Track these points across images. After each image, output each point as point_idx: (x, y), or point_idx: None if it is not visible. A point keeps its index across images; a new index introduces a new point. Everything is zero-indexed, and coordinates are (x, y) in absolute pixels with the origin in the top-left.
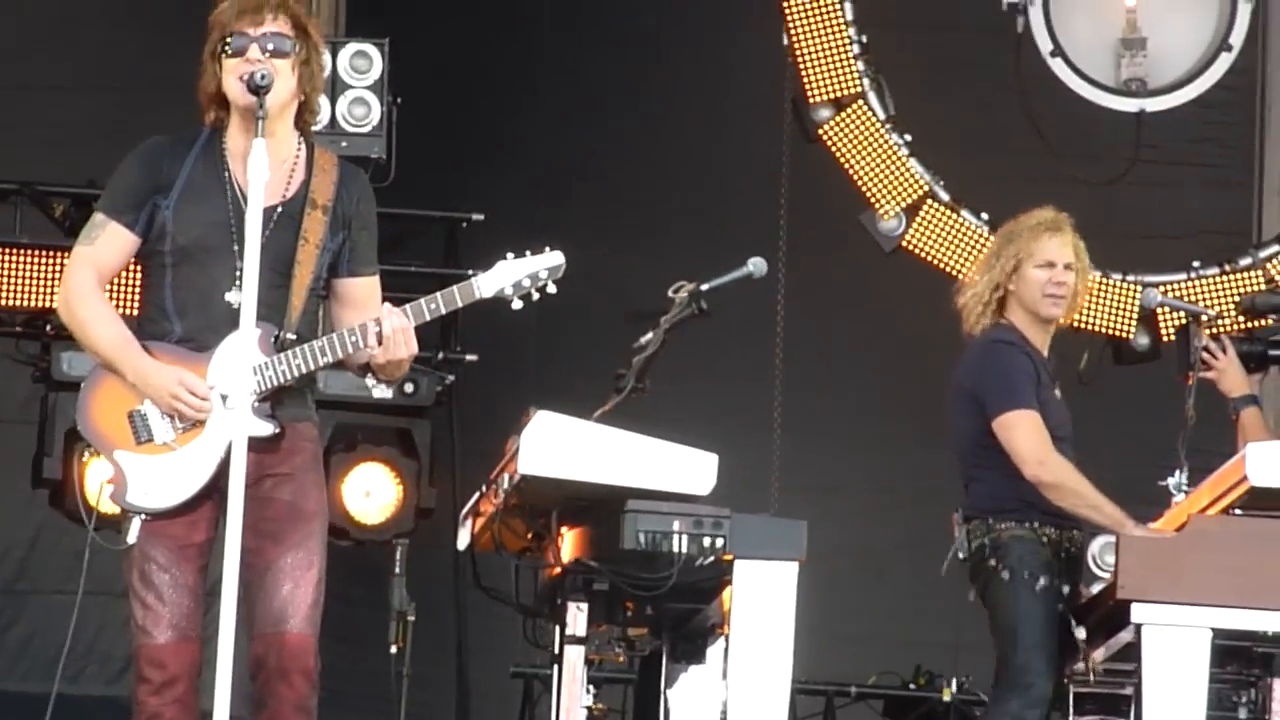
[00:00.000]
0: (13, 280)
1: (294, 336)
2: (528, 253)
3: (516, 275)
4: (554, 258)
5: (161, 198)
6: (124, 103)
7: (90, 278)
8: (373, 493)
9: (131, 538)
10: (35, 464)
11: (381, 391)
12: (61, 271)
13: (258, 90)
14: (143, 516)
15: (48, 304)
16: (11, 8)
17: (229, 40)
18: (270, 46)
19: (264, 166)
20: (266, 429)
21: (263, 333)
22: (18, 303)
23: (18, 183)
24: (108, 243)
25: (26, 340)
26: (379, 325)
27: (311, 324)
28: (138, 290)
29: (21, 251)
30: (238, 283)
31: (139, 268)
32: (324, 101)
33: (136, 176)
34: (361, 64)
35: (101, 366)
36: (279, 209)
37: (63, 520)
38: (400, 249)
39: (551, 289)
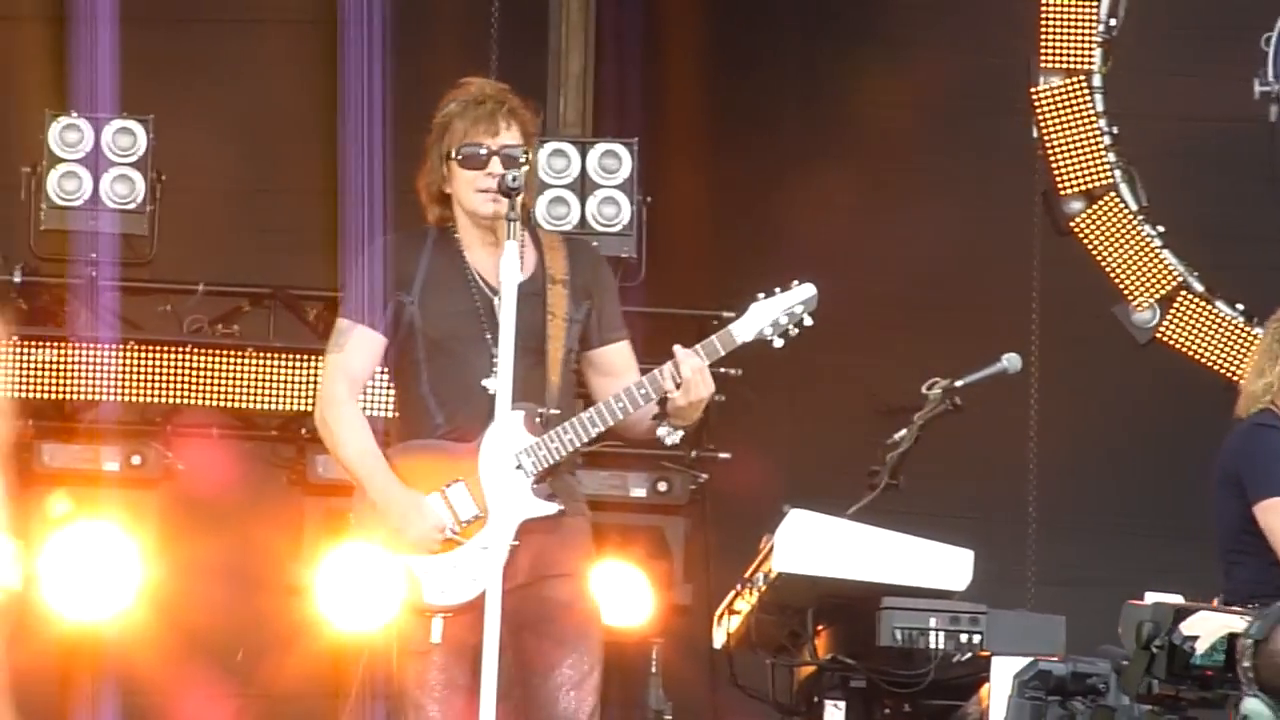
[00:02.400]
0: (267, 384)
1: (556, 412)
2: (778, 290)
3: (773, 314)
4: (805, 290)
5: (404, 294)
6: (375, 205)
7: (343, 387)
8: (626, 592)
9: (435, 637)
10: (288, 568)
11: (637, 489)
12: (316, 375)
13: (509, 192)
14: (446, 615)
15: (302, 408)
16: (270, 112)
17: (463, 149)
18: (508, 157)
19: (517, 270)
20: (549, 509)
21: (525, 414)
22: (272, 406)
23: (270, 287)
24: (357, 347)
25: (281, 444)
26: (676, 369)
27: (570, 398)
28: (391, 393)
29: (275, 355)
30: (494, 369)
31: (389, 370)
32: (574, 201)
33: (375, 277)
34: (611, 164)
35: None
36: (519, 287)
37: (318, 623)
38: (652, 347)
39: (808, 321)
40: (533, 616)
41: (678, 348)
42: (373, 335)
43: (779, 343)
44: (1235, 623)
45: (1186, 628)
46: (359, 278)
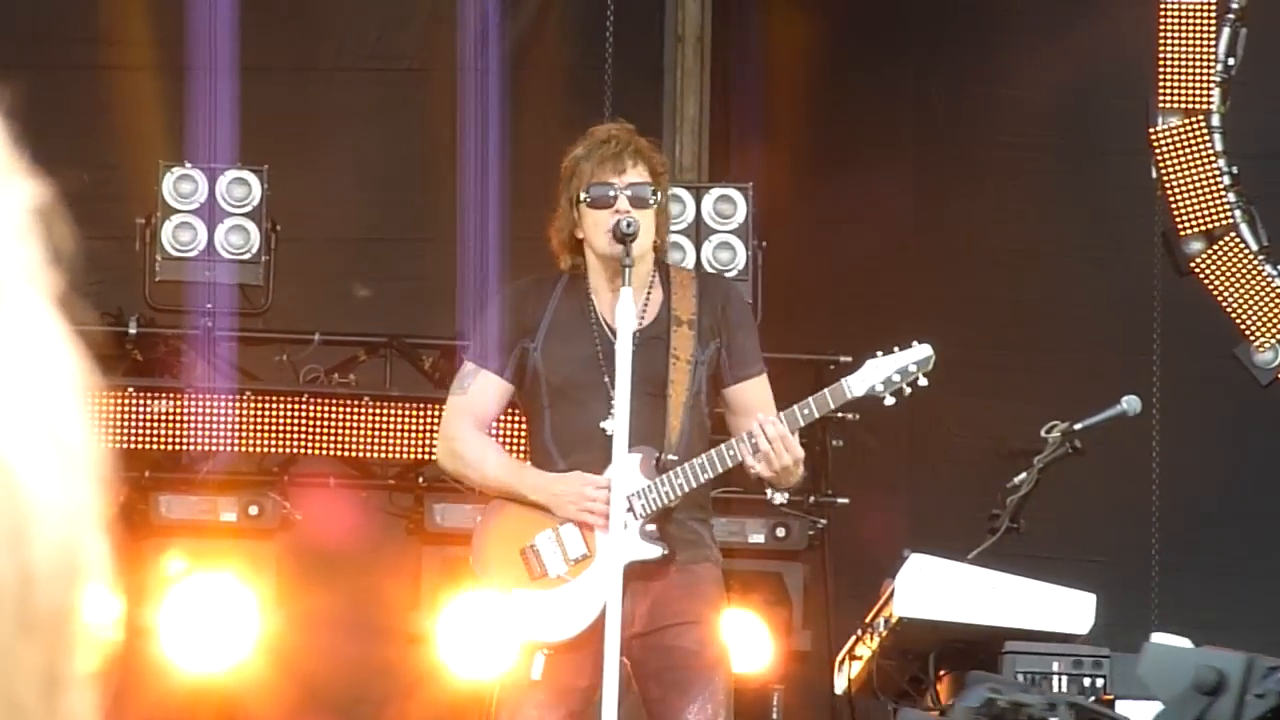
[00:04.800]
0: (384, 433)
1: (674, 457)
2: (895, 348)
3: (886, 371)
4: (922, 351)
5: (529, 340)
6: (490, 253)
7: (469, 422)
8: (746, 639)
9: (536, 674)
10: (407, 617)
11: (755, 536)
12: (434, 423)
13: (624, 239)
14: (545, 652)
15: (420, 456)
16: (384, 161)
17: (591, 189)
18: (637, 196)
19: (633, 315)
20: (654, 551)
21: (643, 456)
22: (389, 455)
23: (387, 335)
24: (481, 391)
25: (399, 493)
26: (754, 441)
27: (698, 440)
28: (523, 440)
29: (392, 404)
30: (612, 411)
31: (522, 415)
32: (689, 246)
33: (502, 323)
34: (726, 208)
35: (493, 504)
36: (641, 332)
37: (436, 670)
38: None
39: (923, 382)
40: (656, 665)
41: (760, 416)
42: (497, 380)
43: (890, 400)
44: None
45: None
46: (485, 322)
